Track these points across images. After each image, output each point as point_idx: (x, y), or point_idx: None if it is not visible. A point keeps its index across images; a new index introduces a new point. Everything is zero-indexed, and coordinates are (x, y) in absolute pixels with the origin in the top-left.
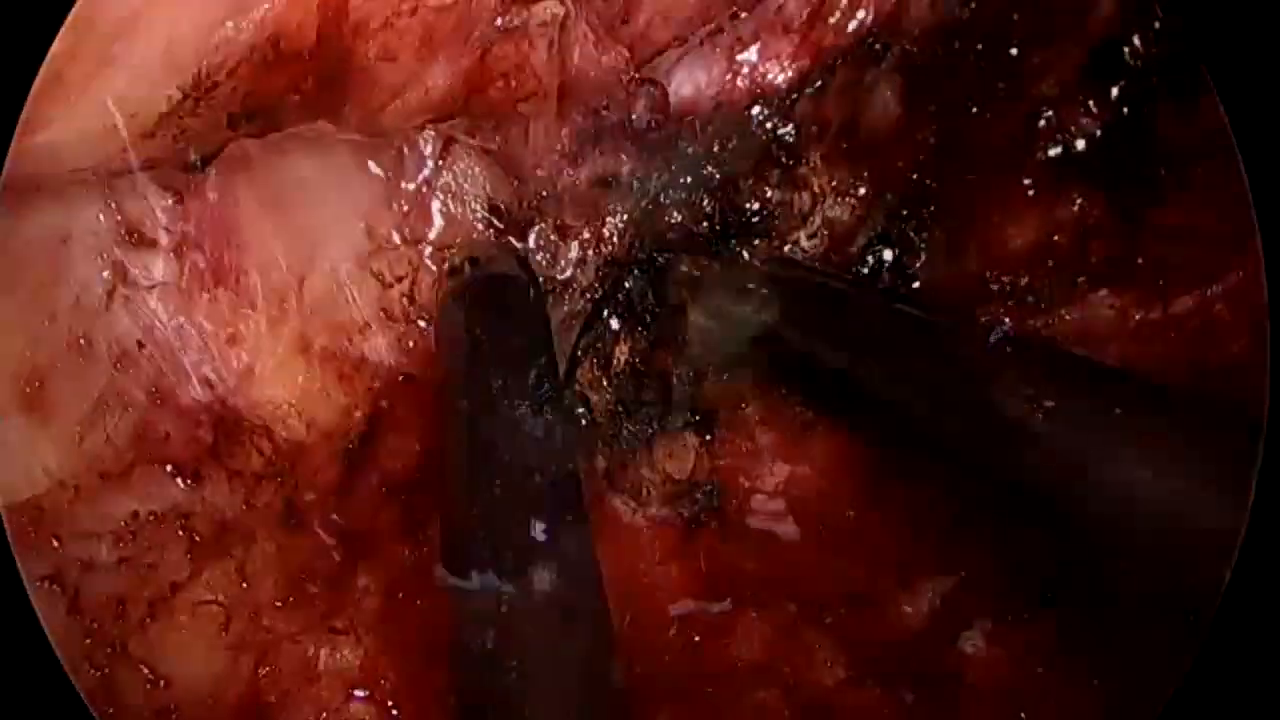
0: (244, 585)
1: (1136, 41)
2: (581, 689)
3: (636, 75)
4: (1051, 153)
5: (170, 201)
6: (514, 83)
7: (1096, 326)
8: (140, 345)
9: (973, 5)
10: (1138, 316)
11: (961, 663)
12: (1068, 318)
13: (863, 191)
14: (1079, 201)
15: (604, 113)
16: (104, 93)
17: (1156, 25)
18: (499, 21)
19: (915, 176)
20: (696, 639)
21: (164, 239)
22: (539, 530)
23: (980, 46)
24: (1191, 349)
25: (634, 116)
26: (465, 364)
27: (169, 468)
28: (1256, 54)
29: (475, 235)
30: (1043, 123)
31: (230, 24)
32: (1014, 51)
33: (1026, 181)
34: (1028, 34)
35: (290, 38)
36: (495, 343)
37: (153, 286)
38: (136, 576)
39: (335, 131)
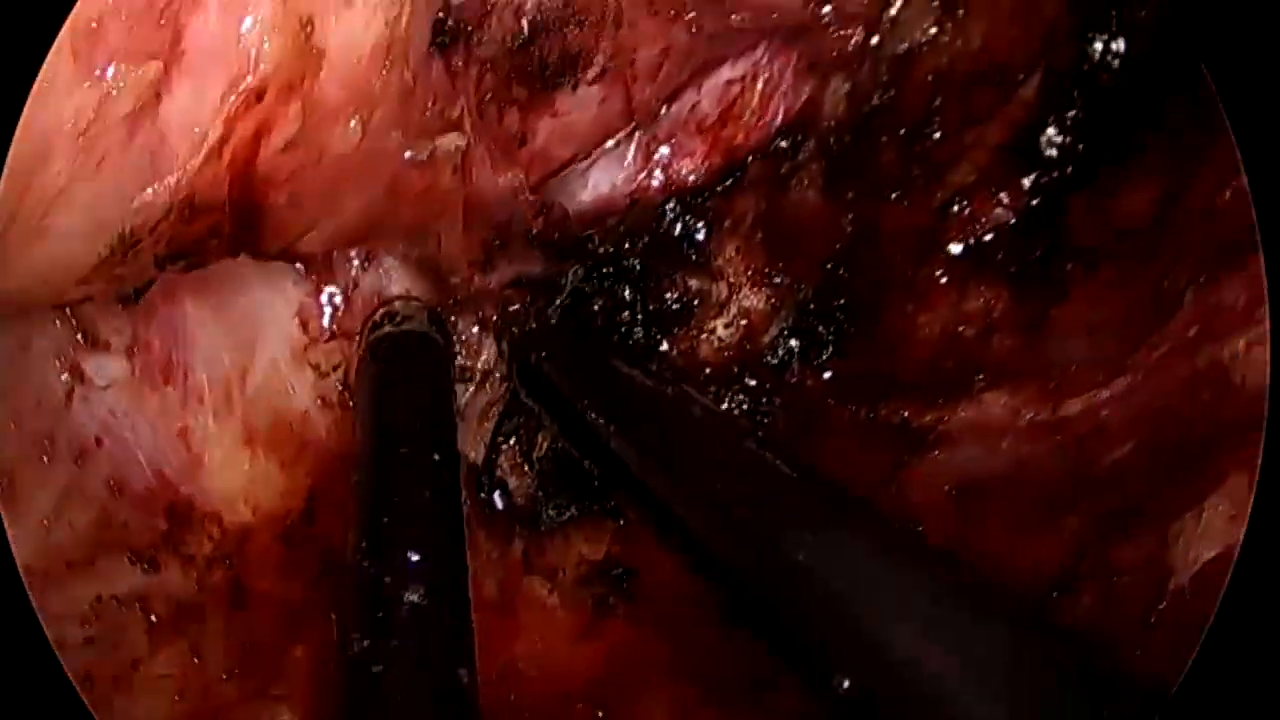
0: (196, 660)
1: (1053, 131)
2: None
3: (530, 196)
4: (964, 243)
5: (120, 306)
6: (422, 206)
7: (989, 424)
8: (98, 441)
9: (892, 92)
10: (1028, 416)
11: None
12: (962, 415)
13: (778, 281)
14: (985, 294)
15: (508, 227)
16: (38, 260)
17: (1073, 114)
18: (407, 155)
19: (829, 267)
20: (599, 714)
21: (116, 341)
22: (414, 557)
23: (902, 132)
24: (1077, 454)
25: (533, 232)
26: (368, 419)
27: (128, 555)
28: (1169, 142)
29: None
30: (956, 209)
31: (149, 190)
32: (937, 136)
33: (938, 272)
34: (948, 119)
35: (204, 194)
36: (394, 400)
37: (107, 386)
38: (102, 654)
39: (256, 262)
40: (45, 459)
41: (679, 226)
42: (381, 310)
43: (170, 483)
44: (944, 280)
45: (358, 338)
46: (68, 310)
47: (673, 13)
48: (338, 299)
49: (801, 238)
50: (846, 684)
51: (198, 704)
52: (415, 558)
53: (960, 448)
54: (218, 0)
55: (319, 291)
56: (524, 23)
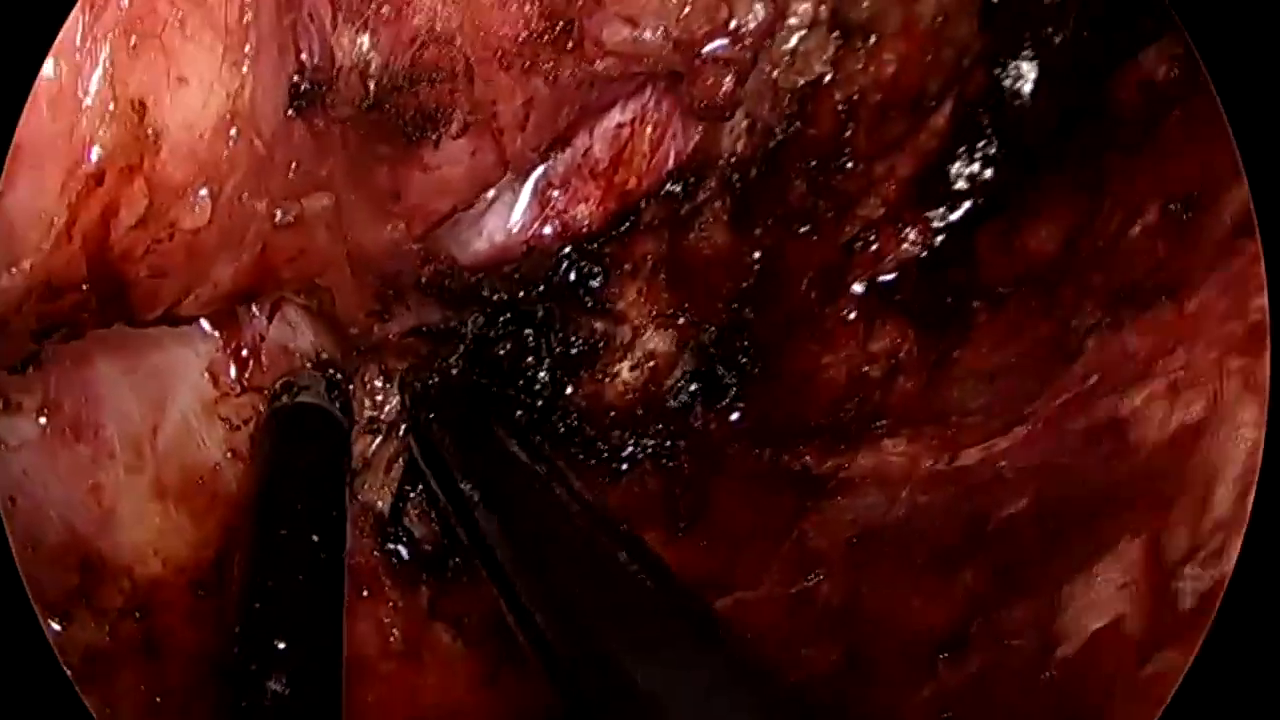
0: (108, 710)
1: (962, 162)
2: None
3: (414, 246)
4: (870, 279)
5: (29, 370)
6: (302, 264)
7: (889, 472)
8: (12, 500)
9: (798, 124)
10: (926, 465)
11: None
12: (862, 462)
13: (682, 322)
14: (891, 334)
15: (397, 277)
16: None
17: (983, 145)
18: (277, 217)
19: (735, 306)
20: None
21: (27, 402)
22: (280, 645)
23: (811, 164)
24: (972, 507)
25: (423, 280)
26: (255, 498)
27: (41, 609)
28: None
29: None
30: (862, 244)
31: (4, 276)
32: (848, 166)
33: (845, 310)
34: (858, 150)
35: (61, 275)
36: (280, 480)
37: (19, 446)
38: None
39: (136, 330)
40: None
41: (575, 273)
42: (281, 380)
43: (81, 537)
44: (850, 317)
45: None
46: None
47: (526, 65)
48: (245, 353)
49: (706, 276)
50: None
51: None
52: (281, 645)
53: (860, 495)
54: (47, 96)
55: (227, 346)
56: (370, 85)
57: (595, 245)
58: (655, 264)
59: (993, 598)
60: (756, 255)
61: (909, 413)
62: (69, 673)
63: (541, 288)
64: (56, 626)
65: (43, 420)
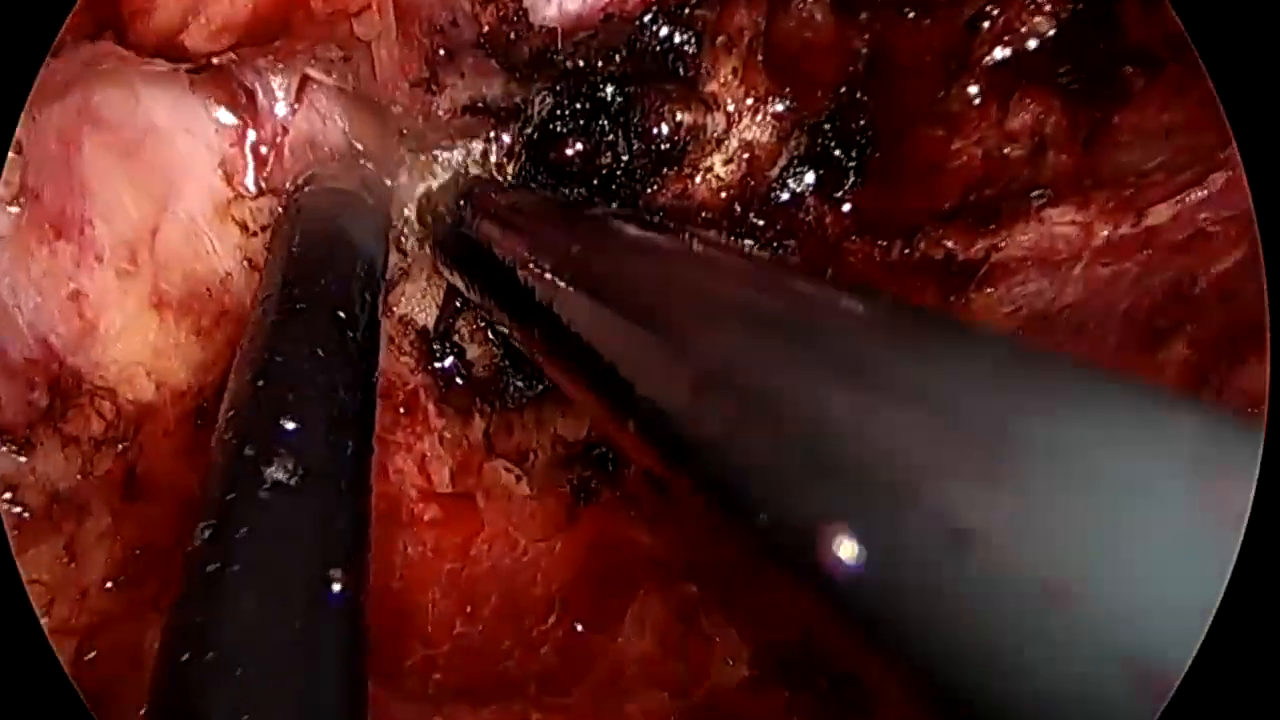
0: (72, 564)
1: None
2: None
3: None
4: (999, 56)
5: (9, 152)
6: (337, 2)
7: (1056, 246)
8: None
9: None
10: (1105, 232)
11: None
12: (1021, 239)
13: (784, 108)
14: (1032, 109)
15: (452, 29)
16: None
17: None
18: None
19: (844, 90)
20: (578, 629)
21: (1, 191)
22: (288, 425)
23: None
24: (1174, 265)
25: (484, 34)
26: (274, 276)
27: None
28: None
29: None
30: (987, 24)
31: None
32: None
33: (972, 90)
34: None
35: None
36: (305, 256)
37: None
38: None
39: (127, 54)
40: None
41: (663, 37)
42: (307, 172)
43: (55, 352)
44: (978, 102)
45: (282, 197)
46: None
47: None
48: (265, 148)
49: (808, 61)
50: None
51: (69, 618)
52: (289, 426)
53: (1020, 279)
54: None
55: (244, 139)
56: None
57: (685, 10)
58: (752, 42)
59: (1213, 368)
60: (864, 38)
61: (1070, 181)
62: (21, 515)
63: (624, 53)
64: (12, 455)
65: (16, 210)
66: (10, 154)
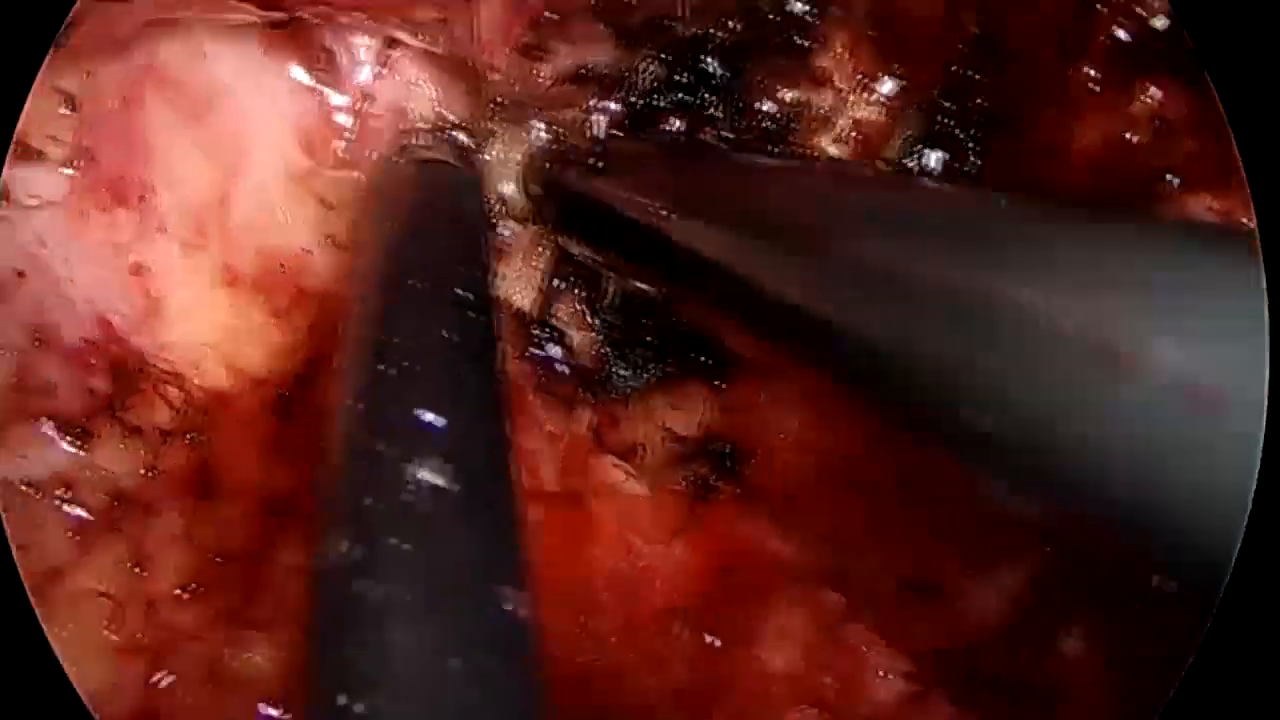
0: (139, 571)
1: None
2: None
3: None
4: (1118, 38)
5: (61, 107)
6: None
7: None
8: (20, 275)
9: None
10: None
11: (1059, 670)
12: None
13: (893, 86)
14: (1154, 93)
15: None
16: None
17: None
18: None
19: (955, 69)
20: (711, 642)
21: (52, 150)
22: (428, 417)
23: None
24: None
25: None
26: (376, 255)
27: (51, 425)
28: None
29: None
30: (1102, 5)
31: None
32: None
33: (1089, 72)
34: None
35: None
36: (411, 232)
37: (37, 206)
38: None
39: (240, 64)
40: None
41: (778, 10)
42: (394, 144)
43: (117, 333)
44: (1097, 87)
45: (366, 169)
46: None
47: None
48: (347, 115)
49: (918, 37)
50: None
51: (137, 633)
52: (429, 418)
53: None
54: None
55: (322, 104)
56: None
57: None
58: (865, 13)
59: None
60: (973, 14)
61: (1204, 167)
62: (82, 516)
63: (741, 21)
64: (69, 448)
65: (70, 172)
66: (62, 109)
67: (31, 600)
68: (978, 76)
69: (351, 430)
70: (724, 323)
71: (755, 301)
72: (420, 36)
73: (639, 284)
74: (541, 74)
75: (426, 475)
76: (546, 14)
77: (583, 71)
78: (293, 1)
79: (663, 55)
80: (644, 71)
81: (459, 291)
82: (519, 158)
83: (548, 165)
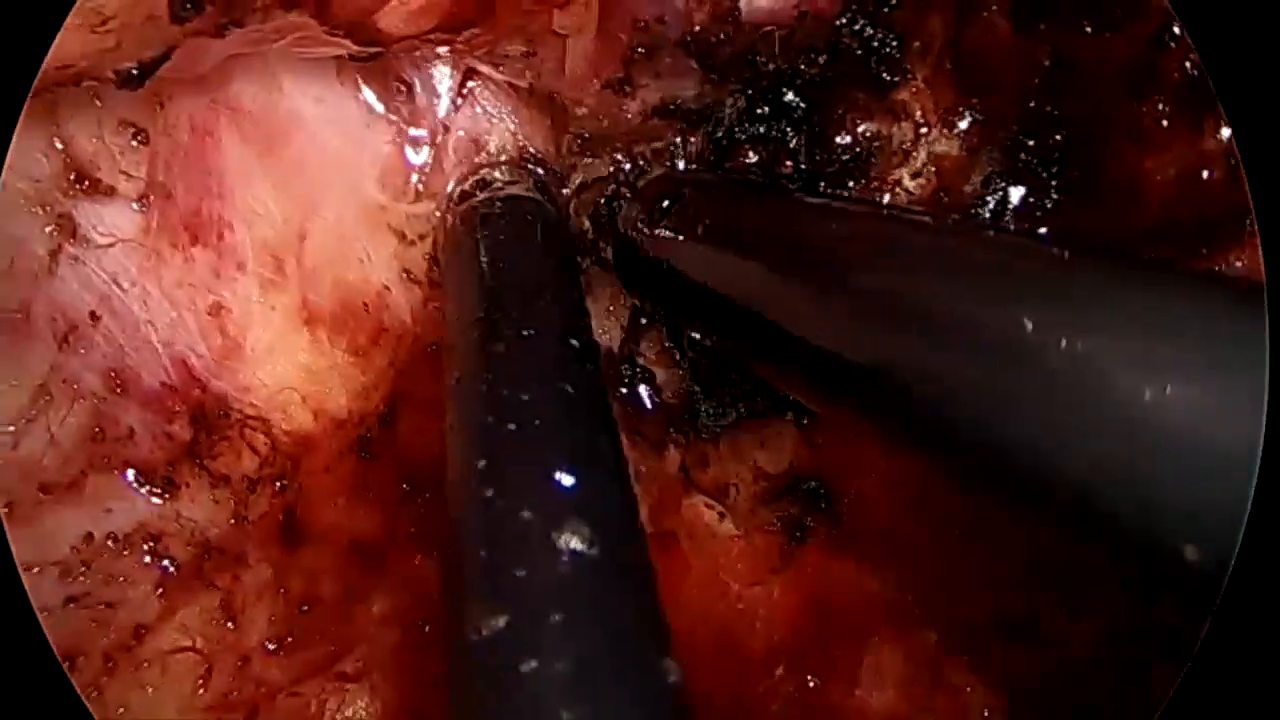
0: (229, 625)
1: None
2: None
3: None
4: (1189, 73)
5: (131, 140)
6: None
7: None
8: (94, 318)
9: None
10: None
11: (1151, 703)
12: (1238, 264)
13: (971, 120)
14: (1225, 131)
15: (659, 26)
16: None
17: None
18: None
19: (1032, 105)
20: (810, 683)
21: (124, 186)
22: (566, 480)
23: None
24: None
25: (693, 33)
26: (474, 296)
27: (133, 475)
28: None
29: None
30: (1171, 41)
31: None
32: None
33: (1161, 107)
34: None
35: None
36: (512, 274)
37: (110, 244)
38: (90, 621)
39: (318, 31)
40: (15, 341)
41: (865, 37)
42: (473, 178)
43: (197, 376)
44: (1166, 122)
45: (445, 204)
46: (57, 144)
47: None
48: (425, 148)
49: (992, 71)
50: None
51: (231, 688)
52: (569, 481)
53: None
54: None
55: (400, 136)
56: None
57: (885, 9)
58: (943, 47)
59: None
60: (1046, 49)
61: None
62: (167, 569)
63: (825, 55)
64: (153, 500)
65: (144, 210)
66: (133, 142)
67: (112, 660)
68: (1054, 111)
69: (481, 491)
70: (770, 370)
71: (795, 348)
72: (502, 69)
73: (690, 331)
74: (629, 109)
75: (575, 543)
76: (637, 49)
77: (670, 107)
78: (386, 36)
79: (747, 90)
80: (729, 105)
81: (572, 342)
82: (592, 194)
83: (602, 202)
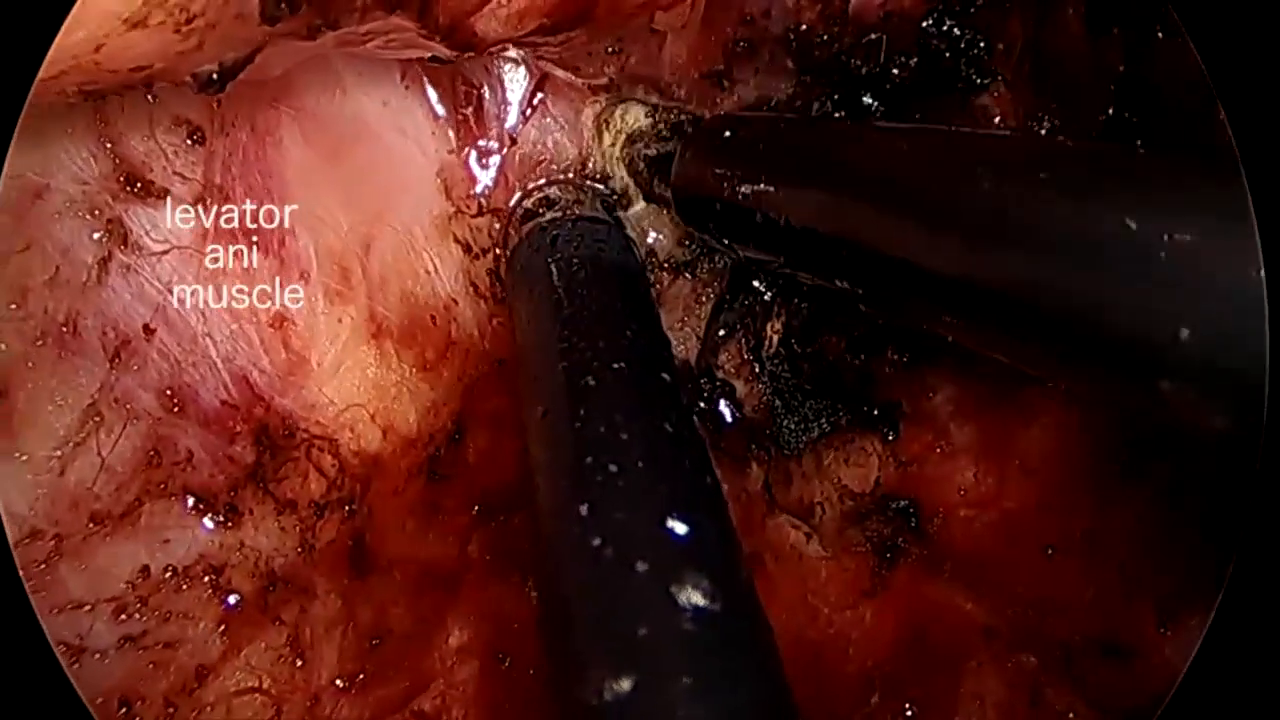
0: (298, 662)
1: None
2: None
3: None
4: None
5: (186, 139)
6: None
7: None
8: (148, 331)
9: None
10: None
11: None
12: None
13: (1050, 127)
14: None
15: (764, 21)
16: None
17: None
18: None
19: (1111, 110)
20: (908, 711)
21: (179, 188)
22: (679, 528)
23: None
24: None
25: (798, 31)
26: (553, 323)
27: (192, 502)
28: None
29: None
30: None
31: None
32: None
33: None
34: None
35: None
36: (593, 302)
37: (165, 251)
38: (149, 662)
39: (415, 35)
40: (61, 356)
41: (951, 39)
42: (538, 194)
43: (260, 393)
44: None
45: (508, 220)
46: (107, 144)
47: None
48: (491, 159)
49: (1069, 76)
50: None
51: None
52: (682, 530)
53: None
54: None
55: (464, 147)
56: None
57: (971, 10)
58: (1023, 50)
59: None
60: (1119, 53)
61: None
62: (231, 603)
63: (915, 59)
64: (209, 526)
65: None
66: (185, 140)
67: (173, 705)
68: (1130, 117)
69: (587, 540)
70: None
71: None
72: (581, 71)
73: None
74: (724, 103)
75: (696, 598)
76: (740, 43)
77: (765, 106)
78: (482, 40)
79: (834, 94)
80: (815, 109)
81: (664, 376)
82: (628, 150)
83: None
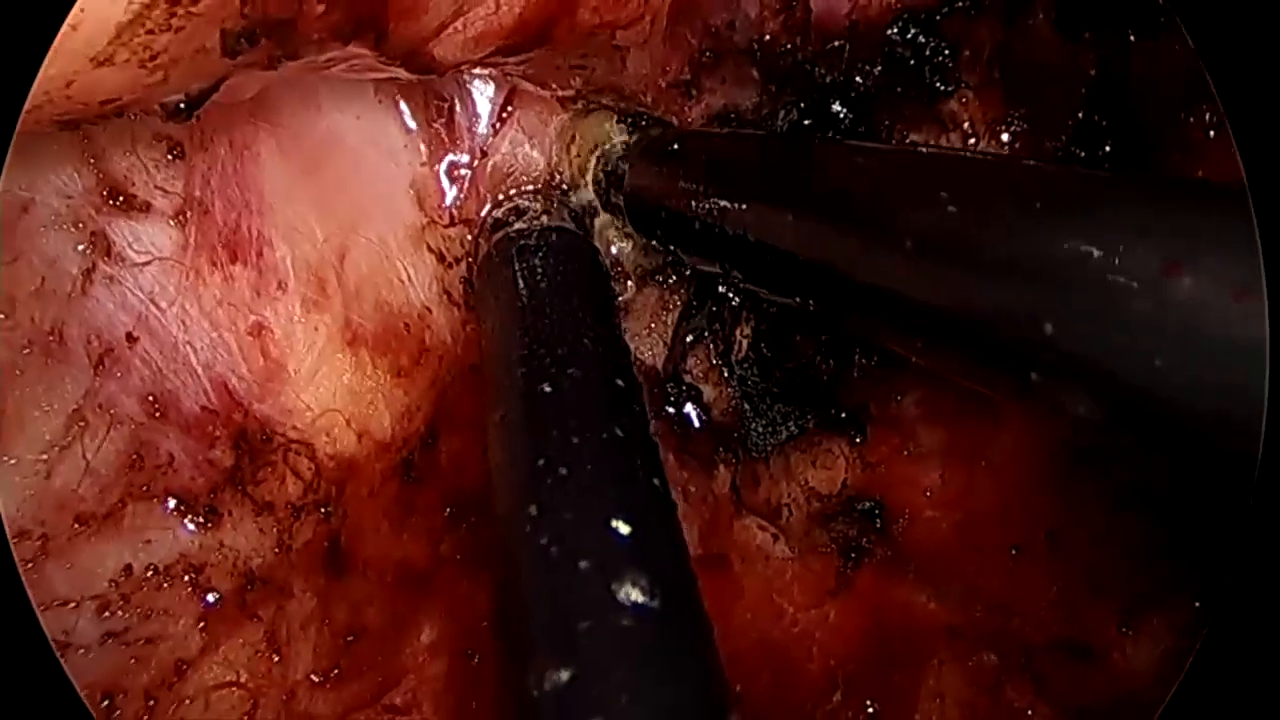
0: (275, 658)
1: None
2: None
3: None
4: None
5: (167, 154)
6: (610, 4)
7: None
8: (131, 339)
9: None
10: None
11: None
12: None
13: (1019, 131)
14: None
15: (726, 31)
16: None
17: None
18: None
19: (1081, 115)
20: (870, 708)
21: (160, 201)
22: (623, 528)
23: None
24: None
25: (761, 41)
26: (516, 331)
27: (173, 504)
28: None
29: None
30: None
31: None
32: None
33: (1210, 118)
34: None
35: None
36: (554, 311)
37: (147, 262)
38: (130, 657)
39: (374, 61)
40: (48, 364)
41: (916, 46)
42: (507, 204)
43: (239, 399)
44: (1213, 134)
45: (479, 230)
46: (90, 160)
47: None
48: (463, 171)
49: (1038, 80)
50: None
51: None
52: (625, 530)
53: None
54: None
55: (436, 158)
56: None
57: (936, 17)
58: (992, 56)
59: None
60: (1091, 58)
61: None
62: (210, 601)
63: (879, 68)
64: (190, 527)
65: (181, 227)
66: (165, 156)
67: (153, 698)
68: (1101, 121)
69: (535, 538)
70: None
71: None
72: (548, 85)
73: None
74: (692, 112)
75: (635, 595)
76: (705, 54)
77: (730, 115)
78: (440, 64)
79: (800, 102)
80: (784, 115)
81: (619, 383)
82: (593, 161)
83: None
